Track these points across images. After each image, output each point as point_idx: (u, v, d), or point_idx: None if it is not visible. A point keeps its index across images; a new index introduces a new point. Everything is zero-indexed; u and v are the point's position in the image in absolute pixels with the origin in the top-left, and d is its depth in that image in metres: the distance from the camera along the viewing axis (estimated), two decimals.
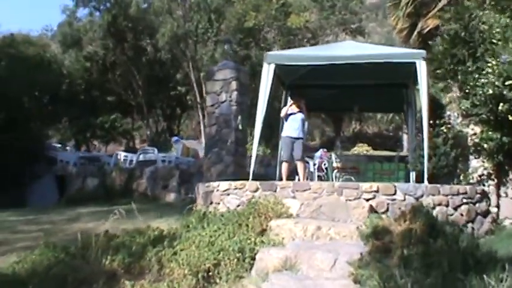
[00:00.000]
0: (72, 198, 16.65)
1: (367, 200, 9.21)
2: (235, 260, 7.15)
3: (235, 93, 14.16)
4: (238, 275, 7.01)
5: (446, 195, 9.43)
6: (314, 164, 15.23)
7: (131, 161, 20.81)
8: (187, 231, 8.46)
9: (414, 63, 10.46)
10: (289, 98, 13.22)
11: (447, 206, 9.39)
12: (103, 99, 33.18)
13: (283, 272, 6.64)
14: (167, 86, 32.02)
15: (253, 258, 7.24)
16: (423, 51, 10.79)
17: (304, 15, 28.99)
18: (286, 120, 11.75)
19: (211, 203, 10.58)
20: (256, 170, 17.11)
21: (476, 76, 6.44)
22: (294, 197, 9.49)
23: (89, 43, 31.05)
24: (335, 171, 14.18)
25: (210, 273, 7.07)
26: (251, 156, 11.67)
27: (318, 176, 14.88)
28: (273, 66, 11.26)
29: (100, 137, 31.77)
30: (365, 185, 9.38)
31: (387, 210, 9.07)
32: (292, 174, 11.97)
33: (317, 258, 6.68)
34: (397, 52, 11.69)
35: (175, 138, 25.56)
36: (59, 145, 26.89)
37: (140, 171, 17.41)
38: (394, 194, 9.27)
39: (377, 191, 9.27)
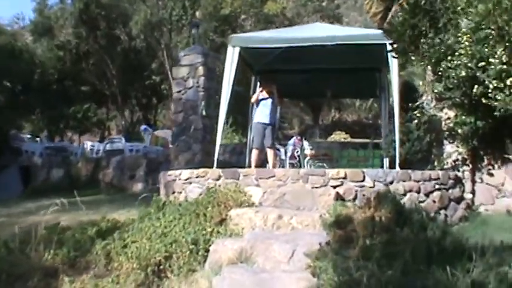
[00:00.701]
0: (36, 189, 15.98)
1: (335, 187, 8.75)
2: (188, 252, 6.67)
3: (202, 78, 13.62)
4: (190, 268, 6.52)
5: (418, 181, 9.00)
6: (286, 152, 14.78)
7: (98, 150, 20.17)
8: (141, 222, 7.92)
9: (384, 44, 10.01)
10: (258, 84, 12.73)
11: (418, 192, 8.97)
12: (77, 89, 32.18)
13: (237, 265, 6.14)
14: (142, 75, 31.20)
15: (208, 250, 6.73)
16: None
17: (281, 2, 28.49)
18: (257, 106, 11.28)
19: (173, 192, 10.09)
20: (228, 158, 16.79)
21: (441, 50, 6.00)
22: (257, 185, 9.01)
23: (60, 31, 30.10)
24: (307, 158, 13.72)
25: (161, 267, 6.58)
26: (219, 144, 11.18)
27: (291, 163, 14.41)
28: (237, 49, 10.75)
29: (73, 127, 30.96)
30: (332, 172, 8.91)
31: (355, 197, 8.62)
32: (264, 162, 11.51)
33: (274, 250, 6.19)
34: (365, 33, 11.22)
35: (143, 127, 24.84)
36: (29, 136, 26.13)
37: (107, 161, 16.78)
38: (363, 180, 8.82)
39: (345, 178, 8.81)
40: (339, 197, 8.45)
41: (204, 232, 7.10)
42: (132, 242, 7.05)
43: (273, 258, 6.12)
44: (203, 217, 7.70)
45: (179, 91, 13.87)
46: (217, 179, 9.39)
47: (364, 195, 8.24)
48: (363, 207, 6.97)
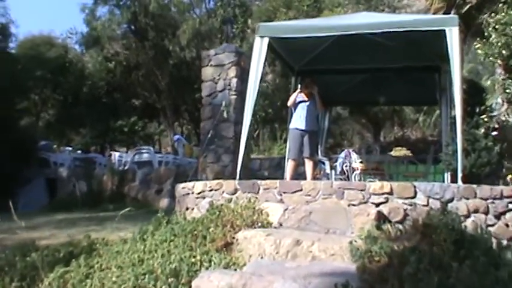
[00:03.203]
0: (60, 203, 14.78)
1: (377, 204, 6.91)
2: (166, 286, 4.92)
3: (234, 80, 11.98)
4: None
5: (486, 199, 7.01)
6: (332, 168, 13.01)
7: (126, 162, 18.83)
8: (124, 244, 6.26)
9: (443, 33, 8.10)
10: (299, 86, 11.07)
11: (486, 213, 6.97)
12: (127, 102, 31.36)
13: None
14: (193, 87, 29.96)
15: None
16: (455, 16, 8.56)
17: (338, 11, 26.85)
18: (294, 111, 9.67)
19: (187, 208, 8.44)
20: (272, 173, 15.04)
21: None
22: (280, 201, 7.26)
23: (109, 43, 29.20)
24: (355, 172, 11.90)
25: None
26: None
27: (340, 179, 12.68)
28: (266, 40, 8.96)
29: (120, 141, 29.99)
30: (374, 185, 7.06)
31: (404, 218, 6.73)
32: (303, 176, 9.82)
33: None
34: (420, 18, 9.31)
35: (176, 137, 23.37)
36: (69, 148, 25.24)
37: (133, 173, 15.43)
38: (414, 197, 6.94)
39: (390, 193, 6.96)
40: (381, 218, 6.58)
41: (193, 260, 5.34)
42: (100, 270, 5.40)
43: None
44: (202, 239, 5.97)
45: (208, 95, 12.26)
46: (233, 193, 7.71)
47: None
48: (408, 232, 5.09)
